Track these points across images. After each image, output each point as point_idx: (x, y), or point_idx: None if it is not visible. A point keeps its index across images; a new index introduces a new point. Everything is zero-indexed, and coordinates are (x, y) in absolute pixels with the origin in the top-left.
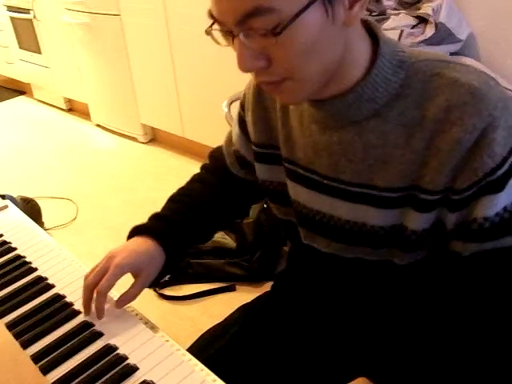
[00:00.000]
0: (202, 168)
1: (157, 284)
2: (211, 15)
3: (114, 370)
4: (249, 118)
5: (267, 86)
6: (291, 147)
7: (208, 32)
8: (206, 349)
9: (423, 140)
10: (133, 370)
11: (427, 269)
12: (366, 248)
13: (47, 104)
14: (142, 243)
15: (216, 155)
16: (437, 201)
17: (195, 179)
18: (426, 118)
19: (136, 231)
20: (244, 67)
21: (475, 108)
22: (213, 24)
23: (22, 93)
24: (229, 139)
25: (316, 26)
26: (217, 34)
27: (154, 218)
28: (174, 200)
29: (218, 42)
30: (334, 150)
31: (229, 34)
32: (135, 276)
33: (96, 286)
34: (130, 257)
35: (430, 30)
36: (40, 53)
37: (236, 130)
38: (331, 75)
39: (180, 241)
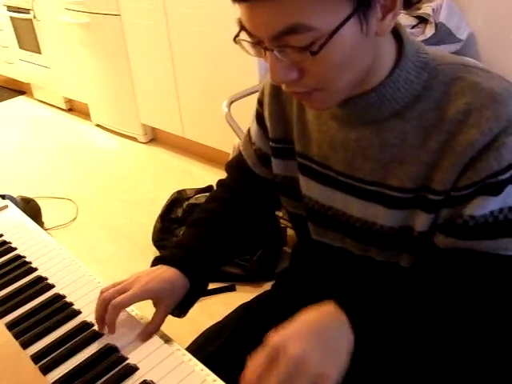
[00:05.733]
0: (218, 184)
1: (182, 311)
2: (241, 24)
3: (114, 370)
4: (266, 113)
5: (297, 95)
6: (306, 142)
7: (236, 41)
8: (204, 348)
9: (439, 142)
10: (133, 370)
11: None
12: (375, 248)
13: (47, 104)
14: (166, 272)
15: (233, 164)
16: (442, 201)
17: (212, 198)
18: (444, 120)
19: (160, 261)
20: (277, 79)
21: (494, 112)
22: (240, 32)
23: (22, 93)
24: (246, 141)
25: (351, 40)
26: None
27: (177, 246)
28: (193, 225)
29: (246, 51)
30: (351, 146)
31: (260, 46)
32: (156, 304)
33: (111, 300)
34: (153, 283)
35: (429, 30)
36: (40, 53)
37: (254, 126)
38: (359, 81)
39: (204, 267)
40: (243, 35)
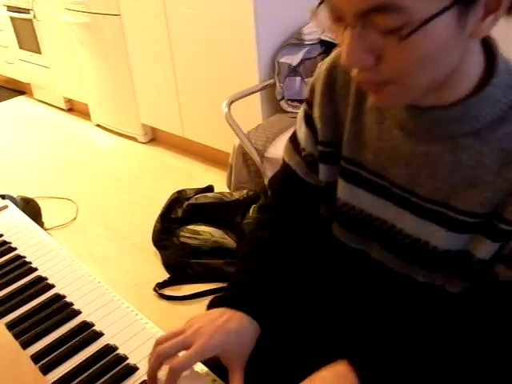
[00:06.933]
0: (262, 210)
1: None
2: None
3: (114, 370)
4: (316, 114)
5: (366, 84)
6: (357, 147)
7: (314, 12)
8: None
9: None
10: (133, 369)
11: (473, 297)
12: (422, 269)
13: (47, 104)
14: (232, 319)
15: (279, 178)
16: (511, 232)
17: (261, 224)
18: None
19: (219, 303)
20: (350, 61)
21: None
22: (321, 3)
23: (22, 93)
24: (292, 150)
25: (443, 33)
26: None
27: (235, 285)
28: (248, 258)
29: (322, 27)
30: (416, 161)
31: (341, 21)
32: (225, 359)
33: (168, 356)
34: (217, 336)
35: None
36: (40, 53)
37: (303, 129)
38: (438, 85)
39: (271, 303)
40: (324, 7)
